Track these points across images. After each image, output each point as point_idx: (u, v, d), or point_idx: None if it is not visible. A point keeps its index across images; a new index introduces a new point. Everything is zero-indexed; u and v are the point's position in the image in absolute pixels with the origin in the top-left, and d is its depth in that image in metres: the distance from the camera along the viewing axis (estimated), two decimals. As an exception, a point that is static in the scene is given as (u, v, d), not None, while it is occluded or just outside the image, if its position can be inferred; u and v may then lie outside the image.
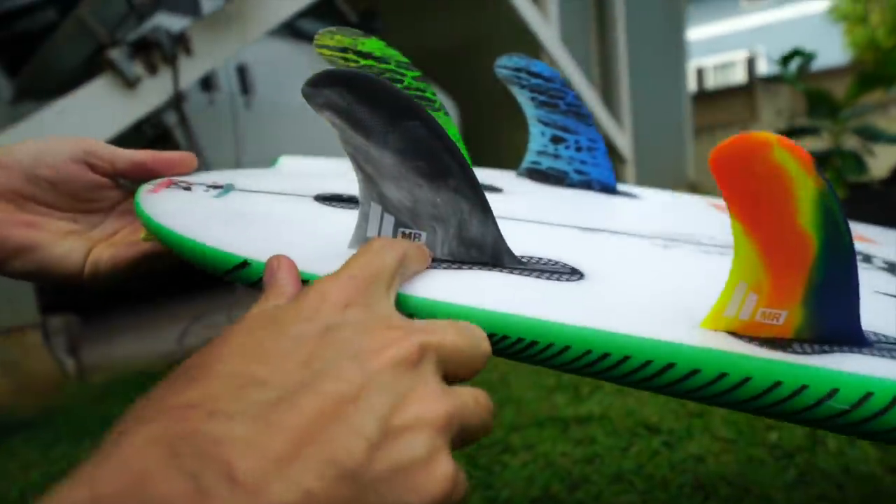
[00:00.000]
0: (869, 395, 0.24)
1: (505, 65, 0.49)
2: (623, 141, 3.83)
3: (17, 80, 1.36)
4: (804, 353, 0.25)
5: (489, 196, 0.34)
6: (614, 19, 3.91)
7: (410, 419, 0.18)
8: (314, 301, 0.21)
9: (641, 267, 0.34)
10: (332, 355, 0.19)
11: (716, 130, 9.13)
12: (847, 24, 8.54)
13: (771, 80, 1.68)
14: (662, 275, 0.34)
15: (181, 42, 1.46)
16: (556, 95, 0.49)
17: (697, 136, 7.34)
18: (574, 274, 0.30)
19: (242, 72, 2.07)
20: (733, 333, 0.26)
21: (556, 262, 0.31)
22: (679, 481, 0.75)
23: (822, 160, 1.52)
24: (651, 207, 0.49)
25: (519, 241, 0.32)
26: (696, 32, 11.61)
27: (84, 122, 1.31)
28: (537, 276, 0.29)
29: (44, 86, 1.39)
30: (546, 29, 3.13)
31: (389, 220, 0.29)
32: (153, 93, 1.42)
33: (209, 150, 1.81)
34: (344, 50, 0.42)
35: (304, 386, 0.18)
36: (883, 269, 0.41)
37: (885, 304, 0.34)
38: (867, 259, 0.43)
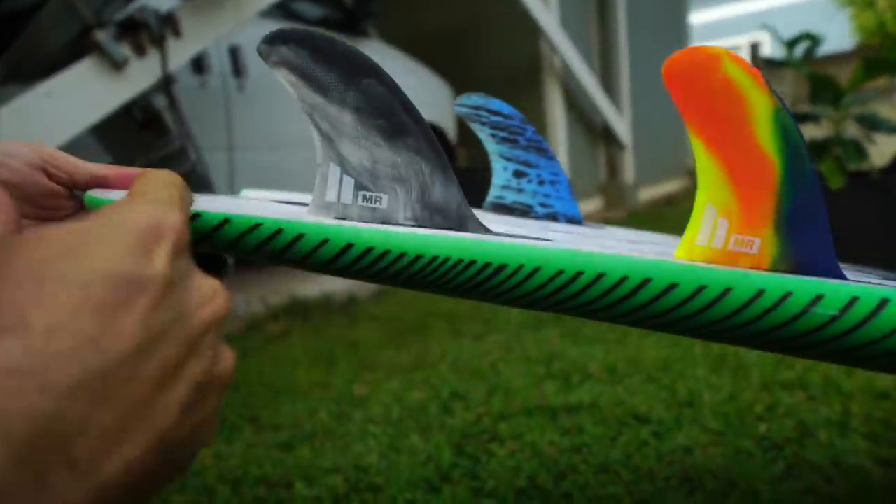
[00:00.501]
0: (855, 299, 0.23)
1: (464, 103, 0.51)
2: (622, 127, 3.80)
3: (3, 63, 1.33)
4: (784, 273, 0.25)
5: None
6: (615, 4, 3.86)
7: (214, 380, 0.19)
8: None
9: (605, 245, 0.34)
10: (166, 316, 0.17)
11: (718, 117, 9.05)
12: (854, 9, 8.44)
13: (775, 65, 1.65)
14: (630, 248, 0.34)
15: (169, 23, 1.43)
16: (515, 132, 0.50)
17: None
18: (542, 240, 0.30)
19: (235, 53, 2.04)
20: (709, 264, 0.26)
21: (526, 235, 0.31)
22: (666, 473, 0.74)
23: (821, 148, 1.50)
24: (617, 235, 0.50)
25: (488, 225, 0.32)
26: (700, 16, 11.48)
27: (70, 105, 1.29)
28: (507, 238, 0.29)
29: (30, 68, 1.36)
30: (546, 14, 3.08)
31: (349, 183, 0.29)
32: (141, 75, 1.40)
33: (201, 134, 1.78)
34: None
35: (140, 352, 0.16)
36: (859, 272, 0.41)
37: (870, 276, 0.35)
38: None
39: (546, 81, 3.35)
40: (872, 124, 1.45)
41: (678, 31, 4.99)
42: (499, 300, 0.26)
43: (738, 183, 0.25)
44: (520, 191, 0.51)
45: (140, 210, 0.19)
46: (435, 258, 0.26)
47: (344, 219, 0.29)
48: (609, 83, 3.90)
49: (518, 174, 0.51)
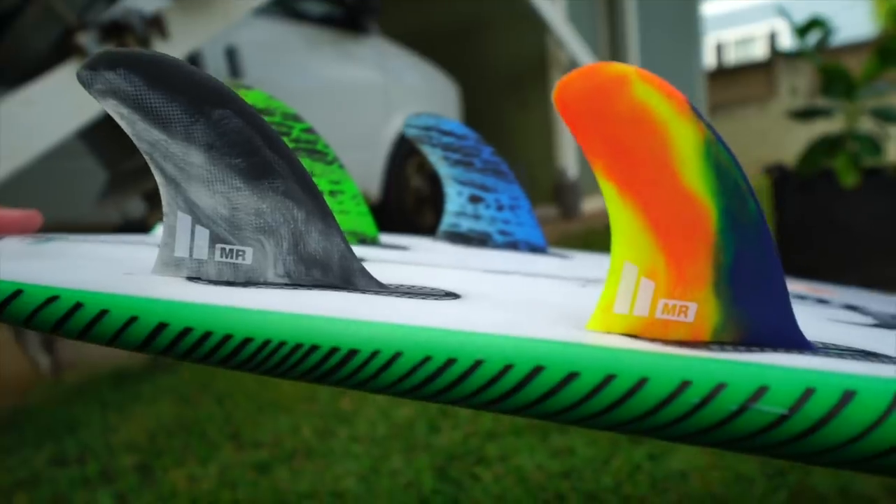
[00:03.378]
0: (810, 391, 0.18)
1: (413, 124, 0.46)
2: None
3: (-16, 67, 1.31)
4: (724, 351, 0.20)
5: (388, 251, 0.28)
6: (624, -6, 3.77)
7: None
8: None
9: (541, 294, 0.28)
10: None
11: (734, 108, 8.91)
12: (874, -5, 8.22)
13: (792, 56, 1.57)
14: (566, 300, 0.27)
15: (155, 24, 1.39)
16: (470, 153, 0.46)
17: (714, 115, 7.17)
18: (448, 296, 0.25)
19: (232, 54, 2.00)
20: (633, 336, 0.21)
21: (432, 288, 0.26)
22: (658, 501, 0.69)
23: (834, 143, 1.42)
24: (582, 263, 0.44)
25: (394, 275, 0.26)
26: (717, 5, 11.27)
27: (51, 111, 1.26)
28: (397, 297, 0.24)
29: (13, 71, 1.34)
30: (552, 9, 3.01)
31: (203, 235, 0.24)
32: (126, 79, 1.37)
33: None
34: None
35: None
36: (841, 308, 0.36)
37: (842, 327, 0.29)
38: (822, 301, 0.38)
39: (553, 77, 3.28)
40: (888, 116, 1.38)
41: (690, 21, 4.88)
42: (355, 388, 0.21)
43: (662, 235, 0.19)
44: (476, 217, 0.46)
45: None
46: (267, 342, 0.21)
47: (199, 278, 0.24)
48: (618, 77, 3.82)
49: (474, 199, 0.46)
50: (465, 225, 0.47)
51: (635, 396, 0.18)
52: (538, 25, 3.06)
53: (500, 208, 0.46)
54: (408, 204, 2.57)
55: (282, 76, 2.19)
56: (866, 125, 1.45)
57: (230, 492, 0.81)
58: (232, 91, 0.22)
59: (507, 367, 0.19)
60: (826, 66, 1.47)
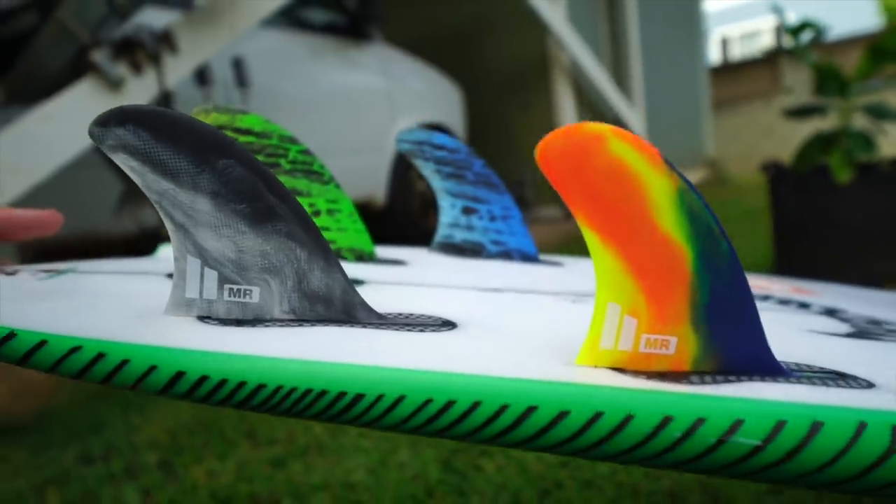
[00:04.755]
0: (782, 423, 0.19)
1: (406, 139, 0.48)
2: (635, 120, 3.74)
3: (3, 85, 1.36)
4: (702, 383, 0.22)
5: (387, 268, 0.30)
6: (624, -6, 3.80)
7: None
8: None
9: (535, 317, 0.31)
10: None
11: (738, 103, 8.87)
12: (877, -13, 8.16)
13: (791, 52, 1.58)
14: (558, 322, 0.30)
15: (165, 40, 1.45)
16: (462, 166, 0.48)
17: (718, 110, 7.14)
18: (445, 325, 0.26)
19: (238, 65, 2.06)
20: (619, 370, 0.22)
21: (429, 317, 0.28)
22: (650, 488, 0.73)
23: (829, 140, 1.45)
24: (573, 272, 0.46)
25: (393, 302, 0.29)
26: (716, 2, 11.24)
27: (69, 126, 1.31)
28: (397, 330, 0.25)
29: (30, 90, 1.39)
30: (552, 10, 3.04)
31: (212, 276, 0.25)
32: (139, 93, 1.42)
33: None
34: (220, 128, 0.40)
35: None
36: (820, 313, 0.38)
37: (816, 339, 0.31)
38: (804, 306, 0.40)
39: (555, 78, 3.32)
40: (881, 113, 1.41)
41: (692, 18, 4.90)
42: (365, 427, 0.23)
43: (642, 277, 0.21)
44: (469, 228, 0.49)
45: None
46: (279, 388, 0.22)
47: (209, 317, 0.26)
48: (620, 75, 3.84)
49: (467, 211, 0.48)
50: (459, 236, 0.48)
51: (622, 432, 0.20)
52: (539, 27, 3.10)
53: (492, 219, 0.48)
54: (413, 207, 2.62)
55: (288, 85, 2.24)
56: (860, 122, 1.48)
57: (248, 485, 0.86)
58: (234, 141, 0.24)
59: (504, 408, 0.20)
60: (819, 65, 1.50)
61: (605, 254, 0.21)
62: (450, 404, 0.21)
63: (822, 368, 0.24)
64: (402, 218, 2.52)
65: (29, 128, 1.28)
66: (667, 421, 0.20)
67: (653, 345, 0.22)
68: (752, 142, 5.99)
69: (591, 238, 0.21)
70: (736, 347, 0.22)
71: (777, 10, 1.71)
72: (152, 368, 0.22)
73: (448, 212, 0.49)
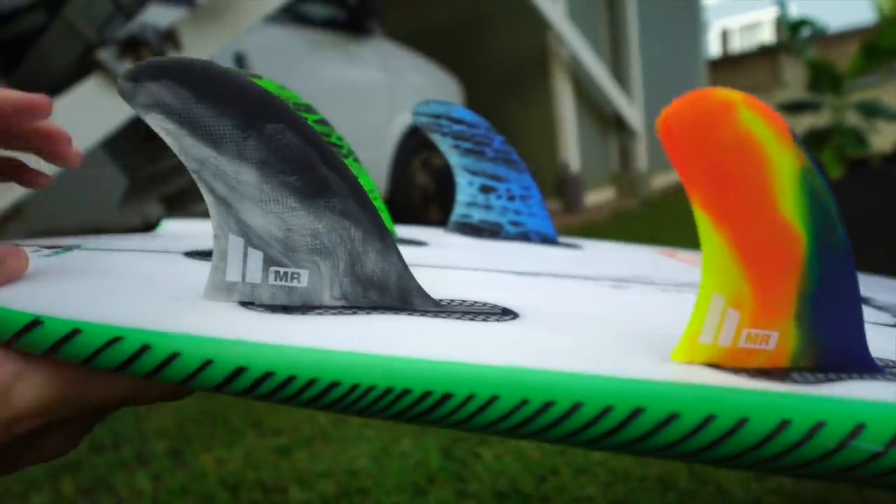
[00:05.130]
0: None
1: (423, 111, 0.46)
2: (634, 115, 3.77)
3: (12, 84, 1.39)
4: (807, 382, 0.20)
5: (410, 249, 0.28)
6: (623, -12, 3.81)
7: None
8: None
9: (589, 305, 0.29)
10: None
11: (738, 97, 8.82)
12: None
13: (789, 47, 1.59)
14: (616, 311, 0.28)
15: (169, 38, 1.47)
16: (481, 142, 0.45)
17: (717, 104, 7.12)
18: (506, 314, 0.25)
19: (240, 60, 2.08)
20: (714, 366, 0.21)
21: (485, 304, 0.26)
22: (641, 474, 0.76)
23: (822, 137, 1.48)
24: (596, 254, 0.45)
25: (440, 287, 0.27)
26: (717, -6, 11.20)
27: (76, 123, 1.34)
28: (458, 318, 0.23)
29: (37, 88, 1.41)
30: (552, 4, 3.06)
31: (256, 258, 0.23)
32: (144, 90, 1.44)
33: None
34: None
35: None
36: (878, 307, 0.36)
37: (870, 330, 0.29)
38: (865, 301, 0.37)
39: (554, 73, 3.34)
40: (872, 111, 1.43)
41: (691, 11, 4.90)
42: (430, 425, 0.21)
43: (753, 266, 0.20)
44: (487, 208, 0.46)
45: None
46: (356, 387, 0.20)
47: (252, 302, 0.23)
48: (620, 69, 3.86)
49: (485, 189, 0.46)
50: (477, 216, 0.46)
51: (736, 435, 0.18)
52: (539, 22, 3.11)
53: (511, 198, 0.45)
54: (414, 201, 2.64)
55: (288, 80, 2.25)
56: (853, 119, 1.51)
57: (255, 472, 0.89)
58: (285, 104, 0.21)
59: (608, 409, 0.19)
60: (814, 62, 1.53)
61: (717, 238, 0.19)
62: (548, 405, 0.19)
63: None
64: (402, 211, 2.54)
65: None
66: (784, 424, 0.18)
67: (753, 340, 0.21)
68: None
69: (703, 221, 0.19)
70: (836, 342, 0.21)
71: (780, 3, 1.73)
72: (208, 363, 0.20)
73: (465, 189, 0.47)
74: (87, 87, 1.36)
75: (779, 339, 0.21)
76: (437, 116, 0.46)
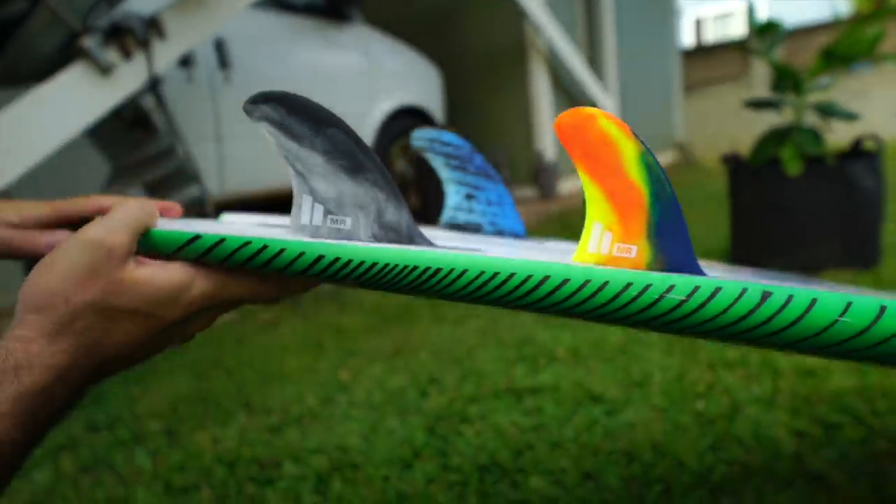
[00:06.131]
0: (696, 287, 0.32)
1: (419, 136, 0.58)
2: (609, 104, 3.84)
3: (-5, 69, 1.39)
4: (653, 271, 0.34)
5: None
6: (600, -21, 3.86)
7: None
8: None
9: (536, 253, 0.42)
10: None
11: (709, 87, 9.01)
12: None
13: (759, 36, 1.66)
14: (549, 253, 0.42)
15: (154, 26, 1.48)
16: (465, 160, 0.58)
17: (690, 94, 7.26)
18: (475, 250, 0.38)
19: (220, 46, 2.08)
20: (599, 265, 0.34)
21: (459, 247, 0.39)
22: (609, 448, 0.84)
23: (782, 135, 1.57)
24: (554, 247, 0.57)
25: (436, 240, 0.40)
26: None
27: (60, 111, 1.35)
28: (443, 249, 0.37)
29: (22, 74, 1.41)
30: (528, -7, 3.09)
31: (319, 209, 0.37)
32: (128, 78, 1.45)
33: (189, 126, 1.84)
34: None
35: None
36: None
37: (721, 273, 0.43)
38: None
39: (531, 62, 3.38)
40: (828, 111, 1.52)
41: (665, 3, 4.99)
42: (437, 296, 0.35)
43: (617, 206, 0.34)
44: (471, 211, 0.59)
45: (92, 230, 0.32)
46: (386, 265, 0.34)
47: (316, 237, 0.37)
48: (595, 59, 3.93)
49: (469, 196, 0.59)
50: (462, 217, 0.59)
51: (601, 292, 0.32)
52: (517, 11, 3.15)
53: (489, 204, 0.58)
54: (393, 188, 2.68)
55: (268, 65, 2.27)
56: (811, 119, 1.60)
57: (250, 449, 0.95)
58: (339, 117, 0.35)
59: (565, 281, 0.33)
60: (777, 64, 1.61)
61: (595, 189, 0.34)
62: (546, 280, 0.33)
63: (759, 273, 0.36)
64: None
65: (20, 112, 1.31)
66: (627, 286, 0.32)
67: (622, 251, 0.34)
68: (722, 122, 6.15)
69: (585, 179, 0.34)
70: (674, 256, 0.34)
71: (749, 4, 1.81)
72: (300, 254, 0.34)
73: (453, 197, 0.59)
74: (70, 75, 1.36)
75: (637, 251, 0.34)
76: (431, 140, 0.58)
